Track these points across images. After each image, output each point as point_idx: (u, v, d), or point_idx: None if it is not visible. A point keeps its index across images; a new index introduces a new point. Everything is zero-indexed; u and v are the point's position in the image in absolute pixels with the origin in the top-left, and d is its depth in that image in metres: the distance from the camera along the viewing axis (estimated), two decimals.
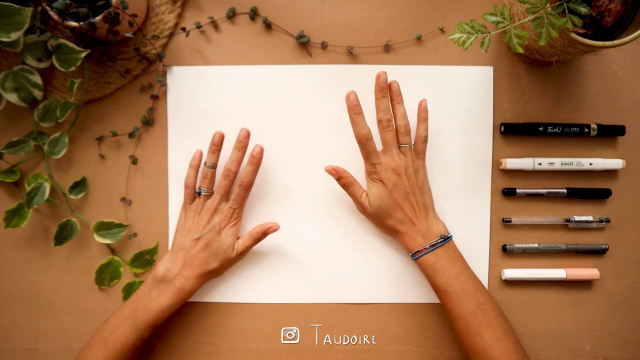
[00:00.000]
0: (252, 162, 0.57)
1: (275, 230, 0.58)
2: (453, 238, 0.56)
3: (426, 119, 0.57)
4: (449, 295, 0.53)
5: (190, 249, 0.56)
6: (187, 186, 0.58)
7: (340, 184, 0.57)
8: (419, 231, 0.55)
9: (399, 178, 0.54)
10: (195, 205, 0.58)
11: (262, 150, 0.58)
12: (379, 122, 0.55)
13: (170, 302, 0.55)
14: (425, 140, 0.57)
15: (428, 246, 0.54)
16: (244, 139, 0.57)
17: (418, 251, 0.55)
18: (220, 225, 0.57)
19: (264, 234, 0.58)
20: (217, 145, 0.58)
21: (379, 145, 0.56)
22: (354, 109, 0.54)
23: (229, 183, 0.57)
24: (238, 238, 0.58)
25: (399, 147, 0.56)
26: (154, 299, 0.54)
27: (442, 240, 0.55)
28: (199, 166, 0.58)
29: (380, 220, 0.56)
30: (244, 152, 0.58)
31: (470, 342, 0.52)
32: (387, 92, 0.55)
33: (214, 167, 0.58)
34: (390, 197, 0.55)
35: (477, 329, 0.52)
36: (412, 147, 0.56)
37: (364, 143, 0.54)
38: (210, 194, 0.58)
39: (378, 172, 0.55)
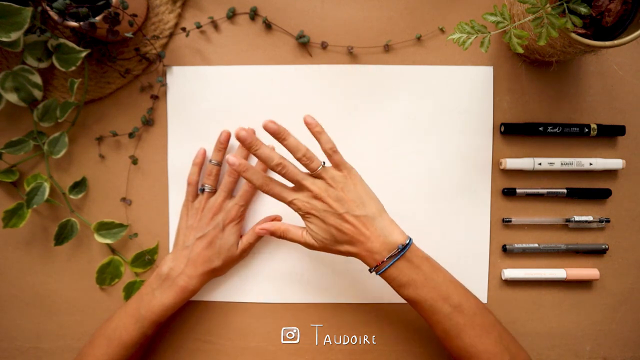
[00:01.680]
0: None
1: (277, 229, 0.58)
2: (453, 238, 0.56)
3: (320, 132, 0.51)
4: (420, 304, 0.50)
5: (193, 248, 0.56)
6: (190, 183, 0.58)
7: (278, 237, 0.54)
8: (372, 247, 0.50)
9: (323, 203, 0.50)
10: (197, 202, 0.58)
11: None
12: (273, 169, 0.50)
13: (174, 301, 0.55)
14: (334, 150, 0.51)
15: (386, 259, 0.49)
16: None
17: (377, 267, 0.50)
18: (224, 222, 0.57)
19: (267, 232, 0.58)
20: (224, 143, 0.59)
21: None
22: (245, 168, 0.50)
23: (233, 181, 0.58)
24: (241, 236, 0.58)
25: (312, 175, 0.51)
26: (157, 298, 0.55)
27: (400, 249, 0.49)
28: (202, 164, 0.59)
29: (332, 250, 0.52)
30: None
31: (451, 344, 0.51)
32: (257, 144, 0.50)
33: (219, 164, 0.58)
34: (326, 226, 0.50)
35: (456, 331, 0.50)
36: (324, 166, 0.51)
37: (269, 186, 0.51)
38: (213, 191, 0.58)
39: (301, 208, 0.50)
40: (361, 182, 0.52)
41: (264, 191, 0.51)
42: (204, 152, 0.59)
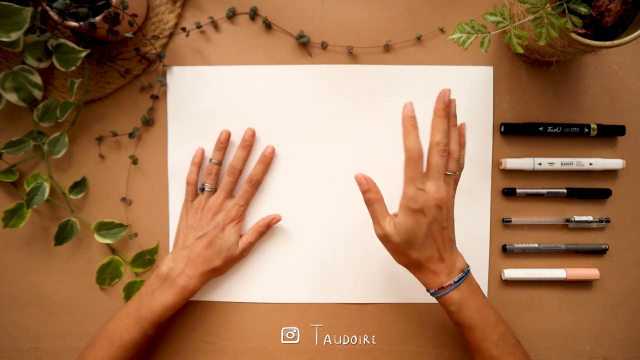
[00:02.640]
0: (263, 161, 0.59)
1: (278, 220, 0.59)
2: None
3: (464, 145, 0.53)
4: (473, 329, 0.50)
5: (193, 247, 0.56)
6: (189, 183, 0.58)
7: (365, 198, 0.50)
8: (444, 268, 0.50)
9: (440, 212, 0.48)
10: (197, 202, 0.58)
11: (273, 150, 0.59)
12: (435, 144, 0.49)
13: (174, 301, 0.55)
14: (462, 169, 0.52)
15: (452, 282, 0.49)
16: (250, 138, 0.59)
17: (442, 288, 0.49)
18: (224, 222, 0.57)
19: (267, 226, 0.59)
20: (224, 142, 0.59)
21: None
22: (410, 121, 0.49)
23: (233, 180, 0.58)
24: (241, 236, 0.58)
25: (444, 177, 0.49)
26: (157, 298, 0.55)
27: (464, 275, 0.50)
28: (200, 164, 0.59)
29: (404, 252, 0.49)
30: (249, 151, 0.59)
31: None
32: (448, 112, 0.50)
33: (219, 164, 0.59)
34: (426, 231, 0.48)
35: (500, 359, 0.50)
36: (456, 175, 0.51)
37: (415, 160, 0.48)
38: (213, 190, 0.58)
39: (419, 200, 0.47)
40: (453, 209, 0.51)
41: (411, 160, 0.48)
42: (203, 152, 0.59)
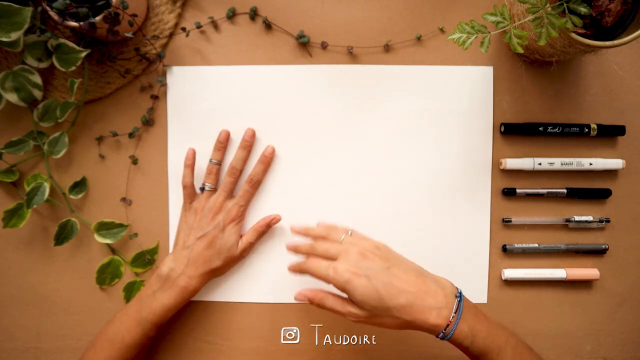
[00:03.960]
0: (263, 161, 0.59)
1: (278, 220, 0.59)
2: (453, 238, 0.56)
3: (333, 228, 0.53)
4: (490, 354, 0.46)
5: (194, 248, 0.56)
6: (185, 186, 0.58)
7: (315, 305, 0.50)
8: (436, 303, 0.45)
9: (366, 260, 0.46)
10: (197, 202, 0.58)
11: (273, 150, 0.59)
12: (325, 237, 0.52)
13: (174, 302, 0.55)
14: (352, 230, 0.52)
15: (454, 314, 0.44)
16: (250, 138, 0.59)
17: (449, 325, 0.44)
18: (225, 222, 0.57)
19: (267, 226, 0.59)
20: (223, 142, 0.59)
21: None
22: (295, 268, 0.52)
23: (233, 180, 0.58)
24: (241, 236, 0.58)
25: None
26: (158, 299, 0.55)
27: (459, 299, 0.46)
28: (193, 165, 0.59)
29: (384, 318, 0.45)
30: (249, 151, 0.59)
31: None
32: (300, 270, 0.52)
33: (219, 163, 0.59)
34: (375, 287, 0.45)
35: None
36: (349, 235, 0.51)
37: (309, 265, 0.50)
38: (213, 190, 0.58)
39: (344, 271, 0.46)
40: (387, 247, 0.50)
41: (310, 253, 0.52)
42: (194, 153, 0.59)
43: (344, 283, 0.46)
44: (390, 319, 0.45)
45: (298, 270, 0.52)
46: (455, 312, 0.45)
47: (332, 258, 0.49)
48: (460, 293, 0.47)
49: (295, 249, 0.54)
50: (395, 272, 0.46)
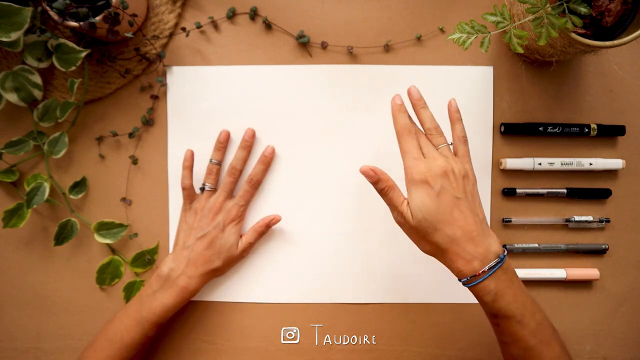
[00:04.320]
0: (263, 161, 0.59)
1: (278, 221, 0.59)
2: None
3: (460, 119, 0.51)
4: (510, 319, 0.46)
5: (194, 248, 0.56)
6: (184, 187, 0.58)
7: (377, 189, 0.48)
8: (474, 252, 0.45)
9: (447, 179, 0.46)
10: (197, 203, 0.58)
11: (273, 150, 0.59)
12: (427, 130, 0.50)
13: (174, 302, 0.55)
14: (465, 141, 0.51)
15: (487, 269, 0.45)
16: (250, 138, 0.59)
17: (475, 276, 0.45)
18: (225, 222, 0.57)
19: (267, 227, 0.59)
20: (223, 142, 0.59)
21: None
22: (398, 107, 0.49)
23: (233, 180, 0.58)
24: (241, 236, 0.58)
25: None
26: (157, 299, 0.55)
27: (500, 260, 0.45)
28: (192, 166, 0.59)
29: (425, 235, 0.46)
30: (249, 151, 0.59)
31: None
32: (424, 102, 0.51)
33: (219, 163, 0.59)
34: (438, 204, 0.45)
35: (539, 350, 0.46)
36: (449, 147, 0.50)
37: (406, 135, 0.48)
38: (213, 190, 0.58)
39: (420, 169, 0.46)
40: (476, 183, 0.49)
41: (401, 134, 0.49)
42: (192, 154, 0.59)
43: (416, 182, 0.46)
44: (429, 241, 0.46)
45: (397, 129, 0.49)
46: (487, 269, 0.45)
47: (421, 150, 0.48)
48: (504, 257, 0.46)
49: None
50: (461, 206, 0.46)
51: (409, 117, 0.50)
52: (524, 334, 0.46)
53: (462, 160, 0.49)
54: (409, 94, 0.51)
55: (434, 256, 0.48)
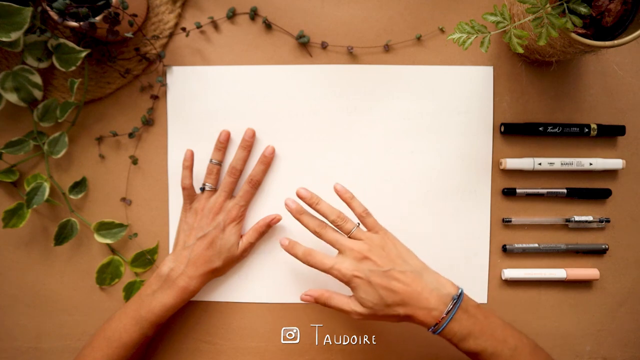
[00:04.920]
0: (263, 162, 0.59)
1: (278, 220, 0.59)
2: (453, 238, 0.56)
3: (351, 198, 0.53)
4: (482, 354, 0.48)
5: (194, 248, 0.56)
6: (184, 187, 0.58)
7: (321, 305, 0.52)
8: (427, 303, 0.47)
9: (368, 262, 0.49)
10: (197, 203, 0.58)
11: (273, 151, 0.59)
12: (315, 232, 0.52)
13: (174, 302, 0.55)
14: (368, 213, 0.52)
15: (445, 315, 0.47)
16: (250, 138, 0.59)
17: (437, 325, 0.48)
18: (225, 222, 0.57)
19: (267, 226, 0.59)
20: (224, 142, 0.59)
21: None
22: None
23: (233, 180, 0.58)
24: (241, 236, 0.58)
25: (348, 237, 0.52)
26: (157, 298, 0.55)
27: (455, 301, 0.48)
28: (192, 166, 0.59)
29: (382, 316, 0.49)
30: (249, 151, 0.59)
31: None
32: (317, 199, 0.53)
33: (219, 163, 0.59)
34: (373, 288, 0.48)
35: None
36: (359, 227, 0.52)
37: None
38: (214, 190, 0.58)
39: (345, 273, 0.49)
40: (398, 241, 0.52)
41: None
42: (192, 154, 0.59)
43: (347, 282, 0.50)
44: (390, 315, 0.49)
45: (302, 258, 0.52)
46: (446, 314, 0.47)
47: (339, 244, 0.51)
48: (459, 295, 0.48)
49: (305, 224, 0.53)
50: (395, 274, 0.49)
51: (312, 215, 0.53)
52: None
53: (374, 231, 0.52)
54: (300, 196, 0.53)
55: (405, 321, 0.50)
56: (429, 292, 0.48)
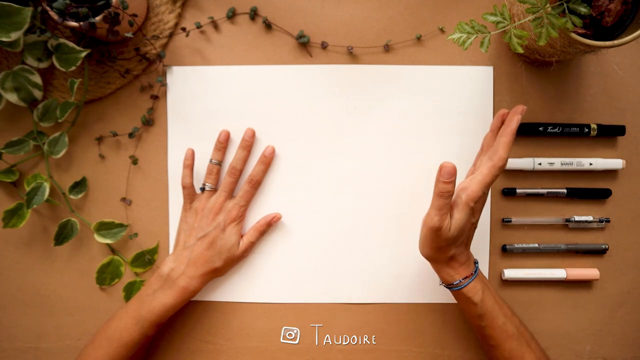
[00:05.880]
0: (263, 161, 0.59)
1: (279, 219, 0.59)
2: None
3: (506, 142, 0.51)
4: (495, 320, 0.50)
5: (194, 248, 0.56)
6: (184, 186, 0.58)
7: (441, 187, 0.47)
8: (466, 260, 0.51)
9: (479, 206, 0.50)
10: (197, 203, 0.58)
11: (273, 150, 0.59)
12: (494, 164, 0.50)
13: (174, 302, 0.55)
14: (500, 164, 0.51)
15: (472, 272, 0.51)
16: (250, 138, 0.59)
17: (466, 277, 0.50)
18: (225, 222, 0.57)
19: (268, 225, 0.59)
20: (223, 142, 0.59)
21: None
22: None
23: (233, 180, 0.58)
24: (242, 236, 0.58)
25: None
26: (157, 298, 0.55)
27: (477, 265, 0.52)
28: (192, 165, 0.59)
29: (445, 247, 0.49)
30: (249, 151, 0.59)
31: None
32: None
33: (219, 163, 0.59)
34: (469, 229, 0.50)
35: (520, 352, 0.50)
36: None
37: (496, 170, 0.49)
38: (214, 190, 0.58)
39: (481, 201, 0.49)
40: None
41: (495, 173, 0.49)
42: (193, 153, 0.59)
43: (463, 203, 0.49)
44: (444, 252, 0.49)
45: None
46: (473, 272, 0.51)
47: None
48: (477, 262, 0.53)
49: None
50: (472, 229, 0.52)
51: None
52: (508, 336, 0.50)
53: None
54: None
55: (434, 261, 0.51)
56: (469, 255, 0.52)
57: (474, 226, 0.51)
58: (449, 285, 0.51)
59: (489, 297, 0.51)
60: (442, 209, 0.47)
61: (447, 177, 0.47)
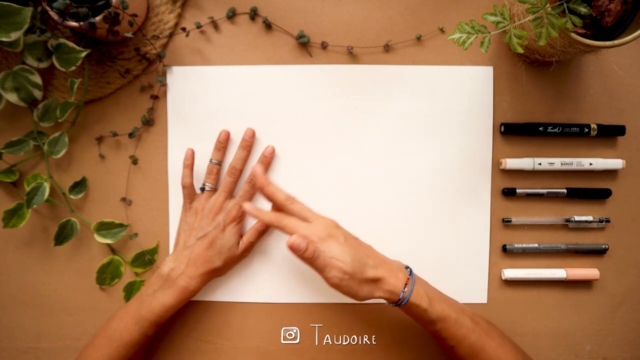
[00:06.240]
0: (263, 161, 0.59)
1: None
2: (453, 238, 0.57)
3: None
4: (447, 320, 0.50)
5: (194, 248, 0.56)
6: (184, 186, 0.58)
7: (304, 258, 0.48)
8: (392, 267, 0.50)
9: (341, 229, 0.52)
10: (197, 203, 0.58)
11: (273, 151, 0.59)
12: (282, 204, 0.53)
13: (174, 301, 0.55)
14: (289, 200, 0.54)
15: (409, 276, 0.50)
16: (250, 138, 0.59)
17: (405, 287, 0.49)
18: (225, 222, 0.57)
19: (268, 225, 0.59)
20: (223, 142, 0.59)
21: None
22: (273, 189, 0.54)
23: (233, 180, 0.58)
24: (241, 236, 0.58)
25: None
26: (157, 298, 0.55)
27: (410, 269, 0.52)
28: (192, 165, 0.59)
29: (362, 275, 0.48)
30: (249, 151, 0.59)
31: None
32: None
33: (219, 163, 0.59)
34: (350, 245, 0.50)
35: (480, 343, 0.50)
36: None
37: (289, 209, 0.53)
38: (214, 190, 0.58)
39: (325, 227, 0.51)
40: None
41: (286, 210, 0.53)
42: (193, 153, 0.59)
43: (323, 239, 0.49)
44: (366, 279, 0.49)
45: (275, 222, 0.52)
46: (409, 275, 0.50)
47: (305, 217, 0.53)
48: (409, 267, 0.52)
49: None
50: (361, 241, 0.53)
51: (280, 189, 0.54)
52: (464, 332, 0.50)
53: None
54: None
55: (372, 295, 0.49)
56: (389, 263, 0.51)
57: (356, 242, 0.51)
58: (397, 302, 0.49)
59: (436, 298, 0.50)
60: (323, 265, 0.48)
61: (298, 252, 0.48)
